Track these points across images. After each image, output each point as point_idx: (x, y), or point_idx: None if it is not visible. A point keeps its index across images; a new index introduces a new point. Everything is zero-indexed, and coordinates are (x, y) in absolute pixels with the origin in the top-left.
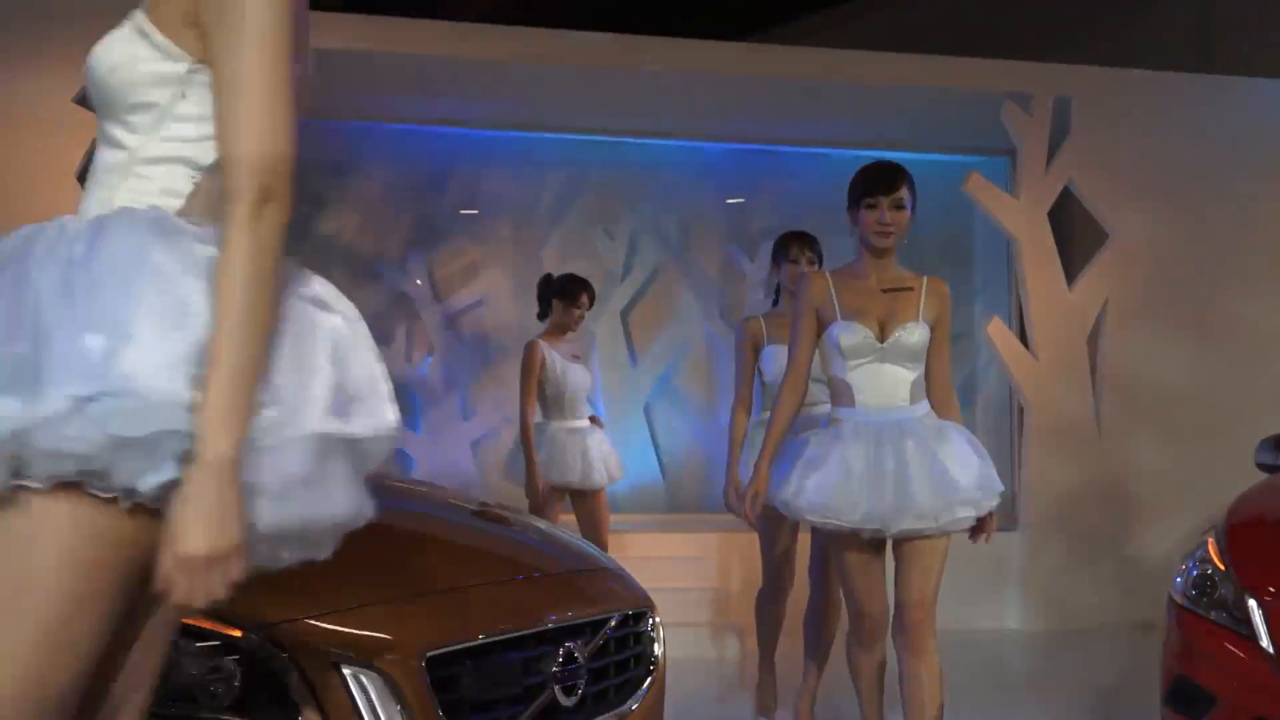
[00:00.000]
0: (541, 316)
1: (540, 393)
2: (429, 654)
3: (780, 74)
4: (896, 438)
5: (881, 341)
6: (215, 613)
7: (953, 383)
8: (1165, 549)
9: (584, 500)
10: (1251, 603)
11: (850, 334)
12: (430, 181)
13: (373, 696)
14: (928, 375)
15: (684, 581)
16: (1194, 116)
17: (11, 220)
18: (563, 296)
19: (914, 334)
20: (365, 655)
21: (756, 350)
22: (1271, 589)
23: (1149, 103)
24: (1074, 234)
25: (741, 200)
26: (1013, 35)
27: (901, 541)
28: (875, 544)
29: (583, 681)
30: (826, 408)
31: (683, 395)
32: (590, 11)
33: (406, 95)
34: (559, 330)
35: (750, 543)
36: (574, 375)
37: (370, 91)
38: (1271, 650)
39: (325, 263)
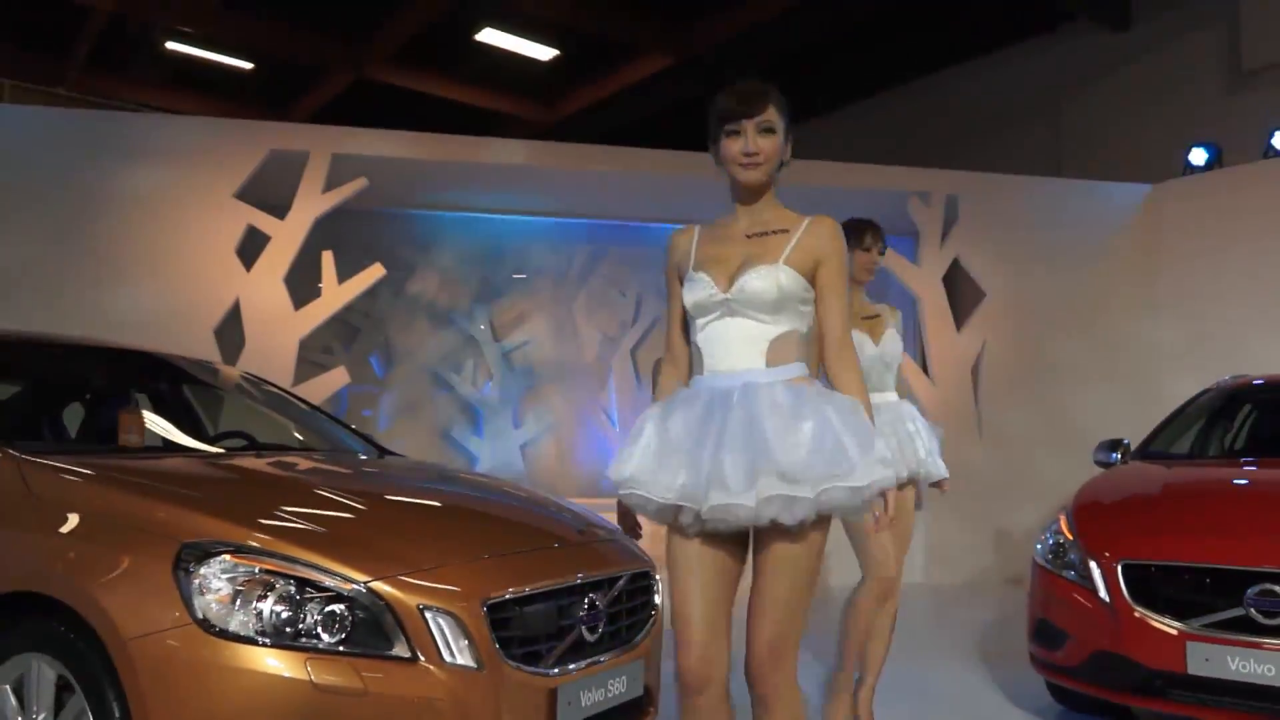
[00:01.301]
0: None
1: None
2: (488, 601)
3: None
4: (728, 404)
5: (726, 291)
6: (329, 570)
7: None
8: (1028, 523)
9: None
10: (1092, 564)
11: (693, 288)
12: (490, 254)
13: (447, 633)
14: (820, 327)
15: None
16: (1047, 209)
17: (188, 288)
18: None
19: (764, 278)
20: (441, 602)
21: None
22: (1107, 554)
23: (1015, 198)
24: (961, 293)
25: None
26: (915, 148)
27: (760, 559)
28: (715, 547)
29: (602, 623)
30: (889, 396)
31: None
32: (606, 129)
33: (473, 191)
34: None
35: None
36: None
37: (447, 188)
38: (1107, 599)
39: (414, 313)
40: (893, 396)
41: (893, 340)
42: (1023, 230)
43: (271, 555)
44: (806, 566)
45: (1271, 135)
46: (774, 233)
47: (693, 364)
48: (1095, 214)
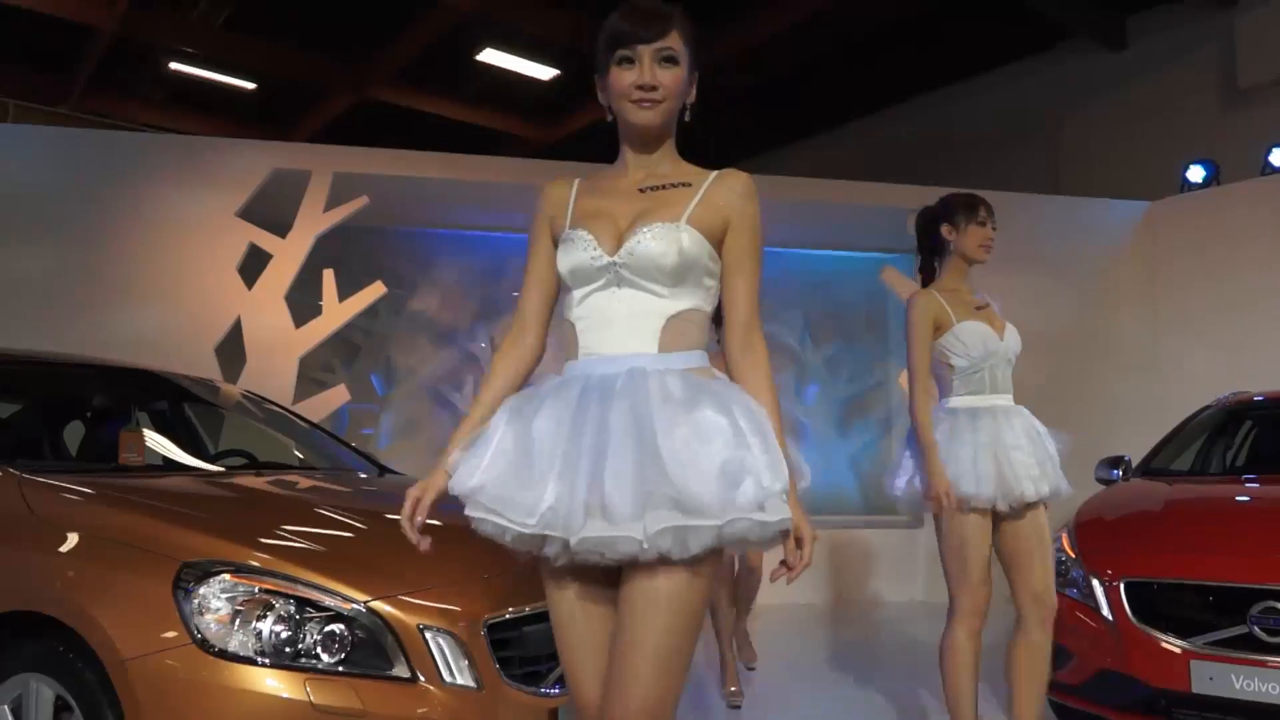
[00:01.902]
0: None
1: None
2: (489, 621)
3: None
4: (608, 394)
5: (613, 254)
6: (329, 590)
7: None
8: None
9: None
10: (1095, 582)
11: (570, 249)
12: (491, 272)
13: (447, 653)
14: (724, 309)
15: None
16: (1046, 226)
17: (189, 306)
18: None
19: (661, 239)
20: (441, 622)
21: (939, 330)
22: (1109, 572)
23: (1012, 216)
24: None
25: None
26: (914, 165)
27: (628, 592)
28: (595, 588)
29: None
30: (1009, 399)
31: None
32: (606, 148)
33: (474, 210)
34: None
35: None
36: None
37: (448, 207)
38: (1110, 618)
39: (415, 331)
40: (1011, 400)
41: (1015, 335)
42: (1022, 246)
43: (271, 575)
44: (691, 606)
45: (1269, 152)
46: (673, 186)
47: (567, 345)
48: (1094, 231)
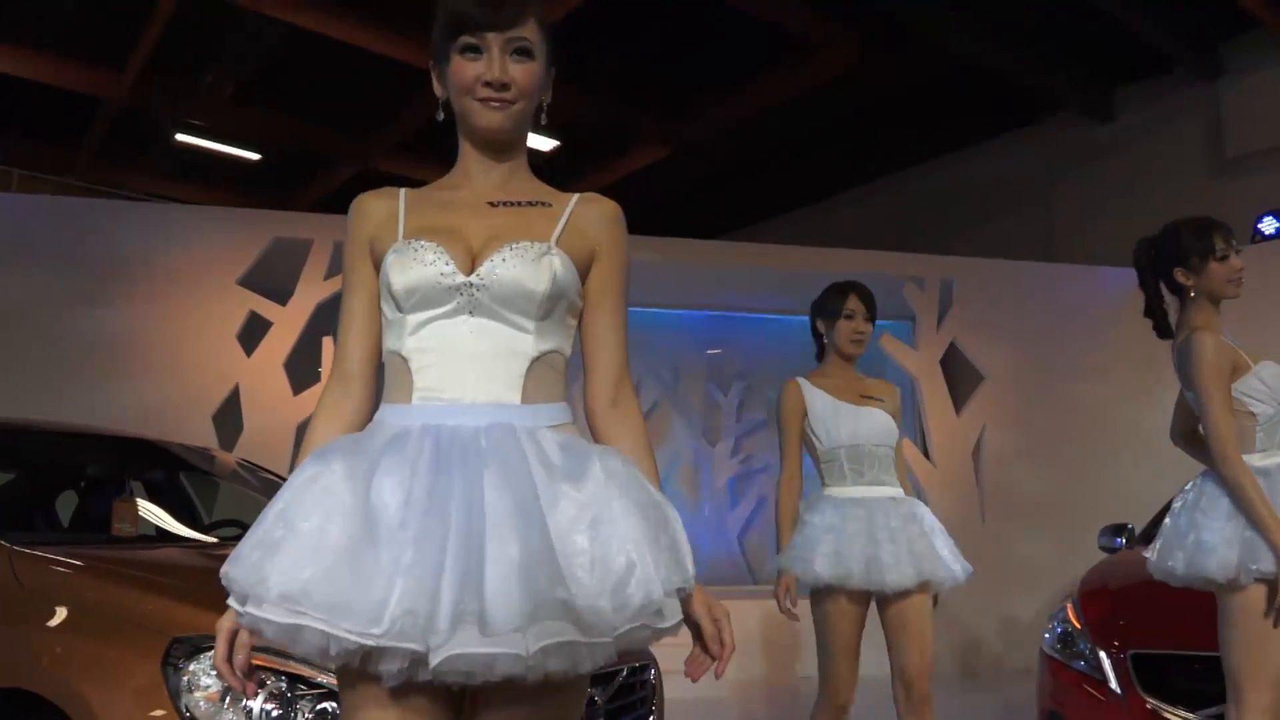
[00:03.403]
0: (820, 355)
1: (811, 449)
2: None
3: (745, 263)
4: (473, 459)
5: (469, 273)
6: (324, 668)
7: None
8: (1035, 611)
9: (885, 606)
10: (1102, 654)
11: (409, 262)
12: None
13: None
14: (586, 356)
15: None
16: (1040, 292)
17: (189, 374)
18: (822, 314)
19: (529, 263)
20: None
21: (1235, 373)
22: (1116, 643)
23: (1008, 282)
24: (959, 376)
25: (718, 351)
26: (910, 234)
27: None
28: (424, 711)
29: (602, 719)
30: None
31: (674, 497)
32: None
33: None
34: (834, 358)
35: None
36: (854, 422)
37: None
38: (1118, 690)
39: None
40: None
41: None
42: (1018, 313)
43: (262, 650)
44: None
45: (1259, 220)
46: (530, 204)
47: (391, 383)
48: (1089, 297)
